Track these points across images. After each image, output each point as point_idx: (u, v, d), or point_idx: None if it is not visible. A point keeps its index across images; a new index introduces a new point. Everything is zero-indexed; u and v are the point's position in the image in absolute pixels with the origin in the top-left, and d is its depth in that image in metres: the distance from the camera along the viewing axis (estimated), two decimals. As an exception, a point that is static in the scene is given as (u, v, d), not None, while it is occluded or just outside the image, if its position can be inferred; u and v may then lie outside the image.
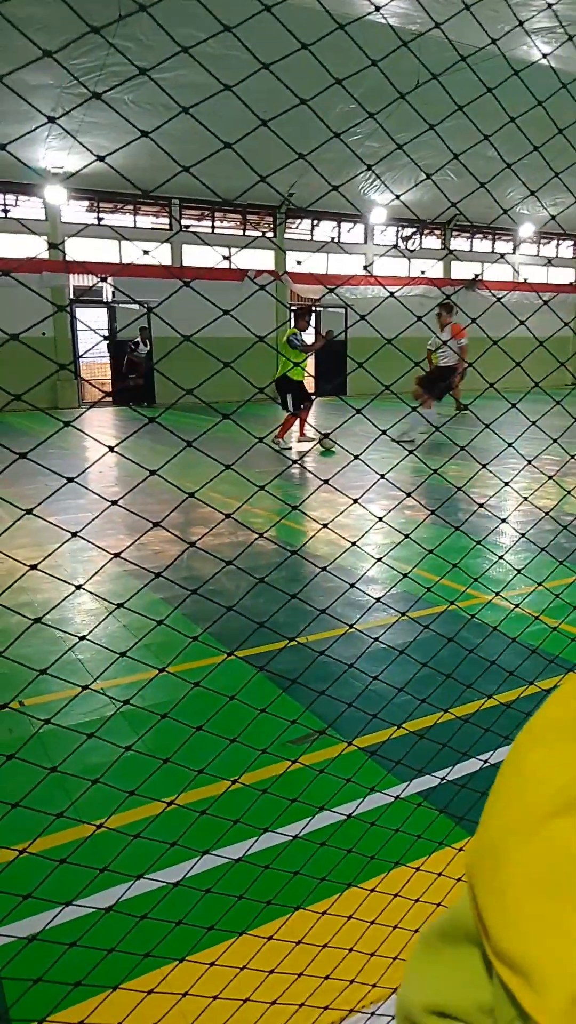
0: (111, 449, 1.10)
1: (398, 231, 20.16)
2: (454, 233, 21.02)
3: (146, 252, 1.26)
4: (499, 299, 1.61)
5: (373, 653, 3.33)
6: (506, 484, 1.65)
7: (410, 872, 1.92)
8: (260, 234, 18.47)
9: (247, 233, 18.60)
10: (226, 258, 1.30)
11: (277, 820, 1.74)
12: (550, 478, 1.77)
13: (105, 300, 17.15)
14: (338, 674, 2.53)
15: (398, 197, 1.43)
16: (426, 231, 20.68)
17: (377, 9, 1.39)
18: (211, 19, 1.28)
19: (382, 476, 1.59)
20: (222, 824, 1.56)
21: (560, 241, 22.80)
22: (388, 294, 1.47)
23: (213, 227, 18.22)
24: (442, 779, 1.90)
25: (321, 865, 1.83)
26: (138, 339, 16.80)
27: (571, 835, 0.43)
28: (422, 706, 2.19)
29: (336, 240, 19.40)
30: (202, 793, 2.49)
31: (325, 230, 19.43)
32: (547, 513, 1.69)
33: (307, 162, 1.39)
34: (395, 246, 19.65)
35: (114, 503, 1.14)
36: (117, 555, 1.23)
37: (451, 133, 1.45)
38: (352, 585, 1.64)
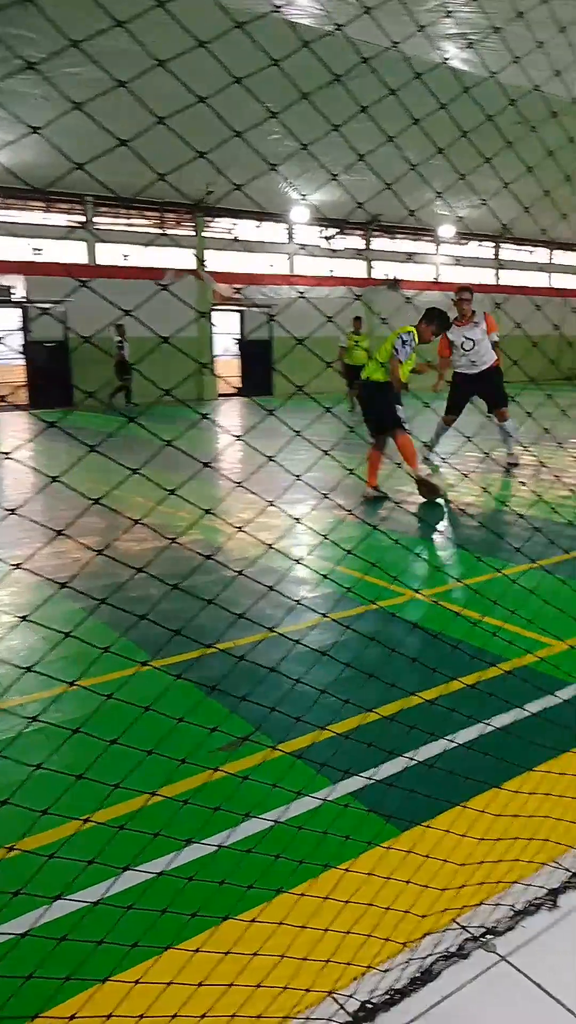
0: (7, 455, 1.05)
1: (320, 230, 20.30)
2: (375, 233, 21.29)
3: (37, 251, 1.20)
4: (408, 299, 1.62)
5: (301, 655, 3.32)
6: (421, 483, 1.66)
7: (340, 874, 1.92)
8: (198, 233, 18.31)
9: (165, 231, 18.41)
10: (126, 256, 1.26)
11: (201, 831, 1.71)
12: (465, 476, 1.79)
13: (16, 300, 16.67)
14: (263, 679, 2.51)
15: (304, 197, 1.42)
16: (348, 231, 20.89)
17: (277, 8, 1.38)
18: (119, 14, 1.24)
19: (297, 477, 1.57)
20: (144, 839, 1.52)
21: (480, 242, 23.39)
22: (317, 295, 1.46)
23: (129, 225, 17.96)
24: (368, 779, 1.90)
25: (249, 873, 1.81)
26: (120, 338, 16.16)
27: None
28: (349, 707, 2.19)
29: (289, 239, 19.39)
30: (124, 808, 2.43)
31: (246, 228, 19.40)
32: (462, 511, 1.71)
33: (210, 162, 1.36)
34: (344, 244, 19.81)
35: (12, 512, 1.09)
36: (17, 566, 1.18)
37: (366, 134, 1.45)
38: (271, 588, 1.63)
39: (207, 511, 1.45)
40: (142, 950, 1.61)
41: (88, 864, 1.46)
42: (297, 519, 1.51)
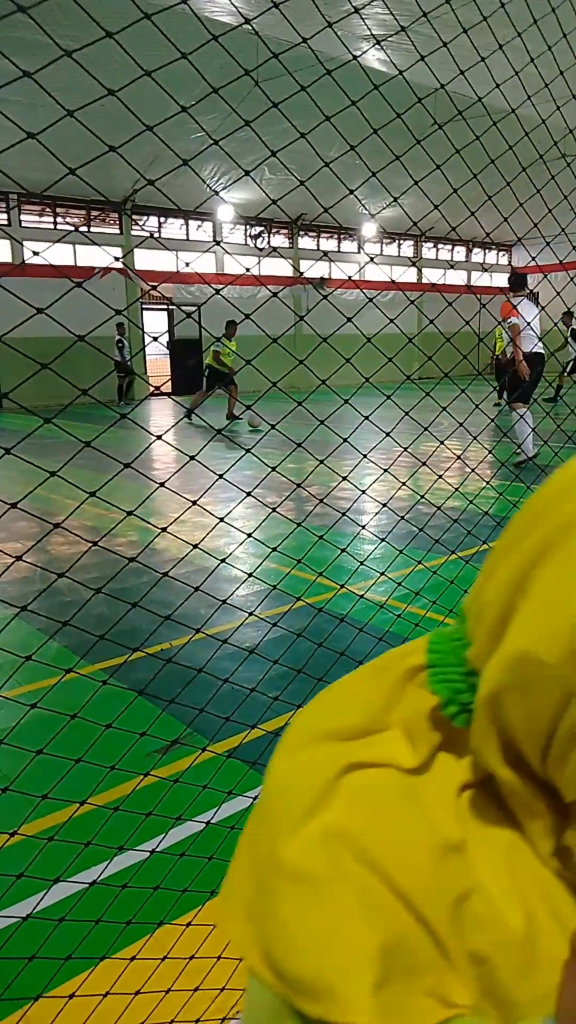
0: None
1: (246, 229, 20.27)
2: (301, 232, 21.39)
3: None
4: (325, 296, 1.63)
5: (233, 654, 3.31)
6: (344, 479, 1.67)
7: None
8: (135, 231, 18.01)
9: (91, 230, 18.08)
10: (36, 252, 1.23)
11: (134, 837, 1.69)
12: (385, 470, 1.82)
13: None
14: (201, 680, 2.49)
15: (216, 193, 1.41)
16: (274, 230, 20.92)
17: (183, 1, 1.36)
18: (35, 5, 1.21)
19: (220, 476, 1.57)
20: (75, 849, 1.49)
21: (401, 241, 23.75)
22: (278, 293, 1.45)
23: (55, 223, 17.58)
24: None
25: (183, 877, 1.79)
26: (120, 337, 16.19)
27: (316, 830, 0.43)
28: (280, 703, 2.19)
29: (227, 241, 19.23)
30: (53, 819, 2.38)
31: (173, 227, 19.22)
32: (384, 504, 1.74)
33: (122, 157, 1.34)
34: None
35: None
36: None
37: (293, 132, 1.45)
38: (196, 588, 1.61)
39: (129, 512, 1.43)
40: (76, 962, 1.58)
41: (17, 879, 1.42)
42: (220, 518, 1.51)
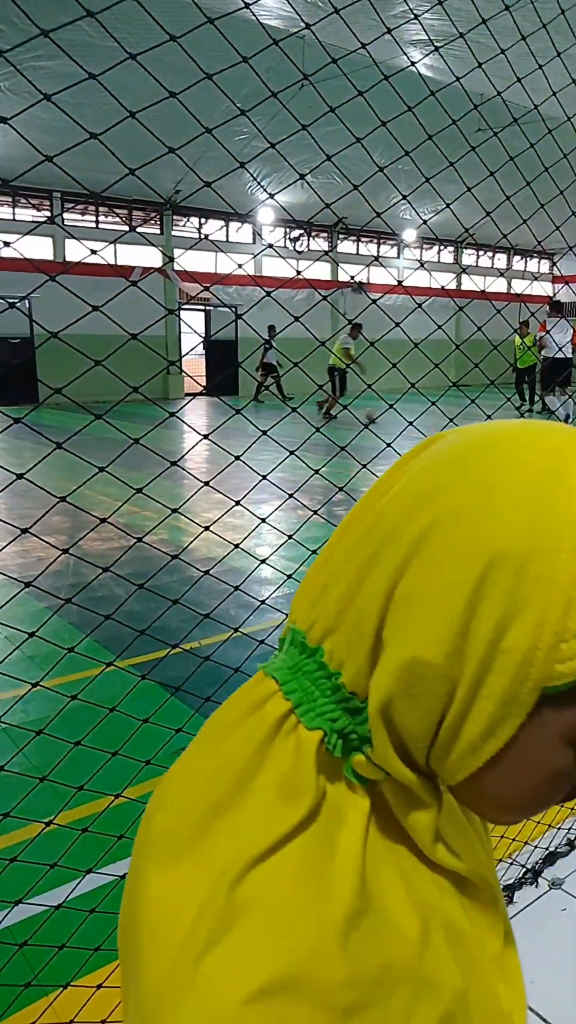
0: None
1: (286, 232, 20.32)
2: (341, 237, 21.39)
3: (7, 244, 1.19)
4: (373, 301, 1.63)
5: (268, 654, 3.31)
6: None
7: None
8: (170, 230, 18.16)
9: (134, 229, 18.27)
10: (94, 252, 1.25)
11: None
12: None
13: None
14: (233, 680, 2.49)
15: (271, 196, 1.42)
16: (313, 233, 20.94)
17: (247, 6, 1.38)
18: (90, 5, 1.23)
19: (264, 477, 1.58)
20: (108, 841, 1.51)
21: (441, 247, 23.63)
22: (289, 294, 1.46)
23: (97, 222, 17.79)
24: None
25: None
26: (268, 339, 16.70)
27: (222, 973, 0.39)
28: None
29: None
30: (87, 810, 2.40)
31: (213, 228, 19.34)
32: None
33: (179, 157, 1.36)
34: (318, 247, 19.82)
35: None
36: (-19, 566, 1.16)
37: (335, 137, 1.46)
38: (236, 588, 1.62)
39: (174, 510, 1.45)
40: (105, 953, 1.59)
41: (51, 868, 1.44)
42: (263, 519, 1.51)
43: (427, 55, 1.81)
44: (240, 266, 1.30)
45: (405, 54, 1.56)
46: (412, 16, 1.78)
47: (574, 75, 1.92)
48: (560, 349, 10.42)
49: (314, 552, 1.69)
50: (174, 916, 0.41)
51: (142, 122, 1.20)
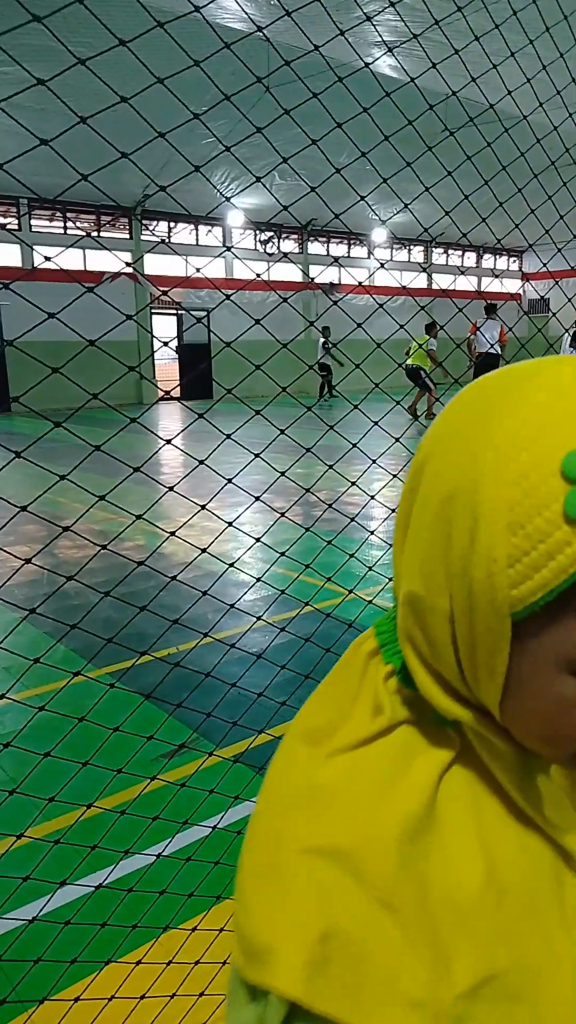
0: None
1: (256, 235, 20.31)
2: (311, 238, 21.42)
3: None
4: (335, 303, 1.63)
5: (242, 659, 3.31)
6: (353, 484, 1.67)
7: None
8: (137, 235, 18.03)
9: (101, 234, 18.16)
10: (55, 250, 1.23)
11: (140, 841, 1.69)
12: (394, 476, 1.81)
13: None
14: (208, 685, 2.48)
15: (227, 199, 1.42)
16: (284, 235, 20.96)
17: (197, 9, 1.37)
18: (39, 10, 1.22)
19: (229, 481, 1.57)
20: (81, 852, 1.49)
21: (411, 246, 23.75)
22: (279, 297, 1.45)
23: (65, 228, 17.67)
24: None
25: (190, 881, 1.79)
26: (325, 339, 17.22)
27: (292, 827, 0.47)
28: (288, 709, 2.19)
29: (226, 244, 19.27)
30: (59, 823, 2.38)
31: (183, 232, 19.28)
32: (394, 510, 1.73)
33: (133, 163, 1.35)
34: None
35: None
36: None
37: (306, 138, 1.46)
38: (204, 593, 1.62)
39: (139, 516, 1.44)
40: (81, 966, 1.58)
41: (23, 881, 1.42)
42: (229, 523, 1.51)
43: (380, 56, 1.82)
44: (198, 270, 1.30)
45: (360, 56, 1.56)
46: (365, 18, 1.79)
47: (528, 72, 1.94)
48: (492, 346, 11.56)
49: (282, 554, 1.70)
50: (279, 778, 0.51)
51: (93, 127, 1.19)
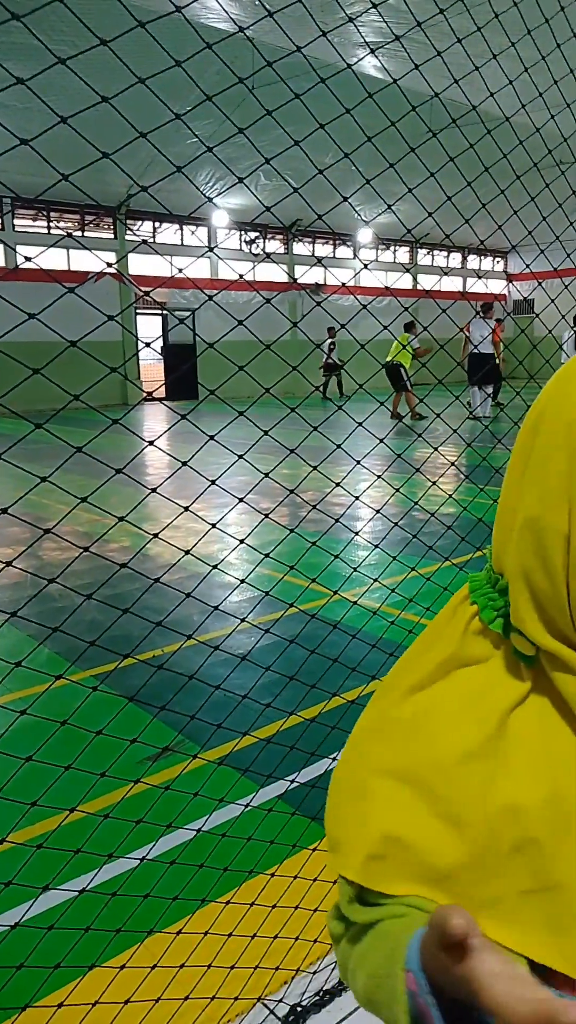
0: None
1: (241, 235, 20.29)
2: (297, 238, 21.42)
3: None
4: (318, 303, 1.63)
5: (228, 660, 3.30)
6: (337, 484, 1.67)
7: (266, 878, 1.91)
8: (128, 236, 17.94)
9: (86, 234, 18.07)
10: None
11: (124, 845, 1.68)
12: (379, 476, 1.82)
13: None
14: (194, 687, 2.48)
15: (209, 200, 1.41)
16: (270, 235, 20.94)
17: (178, 9, 1.36)
18: (17, 8, 1.21)
19: (212, 482, 1.56)
20: (64, 857, 1.48)
21: (396, 247, 23.81)
22: (263, 298, 1.44)
23: (49, 228, 17.57)
24: (292, 781, 1.90)
25: (174, 885, 1.78)
26: (331, 340, 17.46)
27: (368, 753, 0.59)
28: (273, 711, 2.19)
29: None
30: (42, 827, 2.36)
31: (168, 232, 19.21)
32: (378, 510, 1.74)
33: (115, 163, 1.34)
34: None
35: None
36: None
37: (295, 138, 1.45)
38: (188, 595, 1.61)
39: (121, 519, 1.43)
40: (65, 971, 1.57)
41: (5, 886, 1.41)
42: (213, 524, 1.50)
43: (363, 57, 1.81)
44: (180, 270, 1.29)
45: (342, 58, 1.56)
46: (348, 19, 1.79)
47: (511, 75, 1.95)
48: (476, 347, 11.79)
49: (267, 556, 1.69)
50: (371, 709, 0.62)
51: (73, 127, 1.18)
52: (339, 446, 1.52)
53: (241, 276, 1.36)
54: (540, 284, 2.38)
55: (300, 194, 1.44)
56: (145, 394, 16.05)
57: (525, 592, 0.53)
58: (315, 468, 1.52)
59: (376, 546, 1.83)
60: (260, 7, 9.02)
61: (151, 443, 1.36)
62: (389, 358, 13.34)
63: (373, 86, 1.78)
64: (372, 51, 1.57)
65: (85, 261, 17.57)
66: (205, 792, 1.76)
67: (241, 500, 1.44)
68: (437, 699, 0.57)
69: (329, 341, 17.57)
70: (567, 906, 0.51)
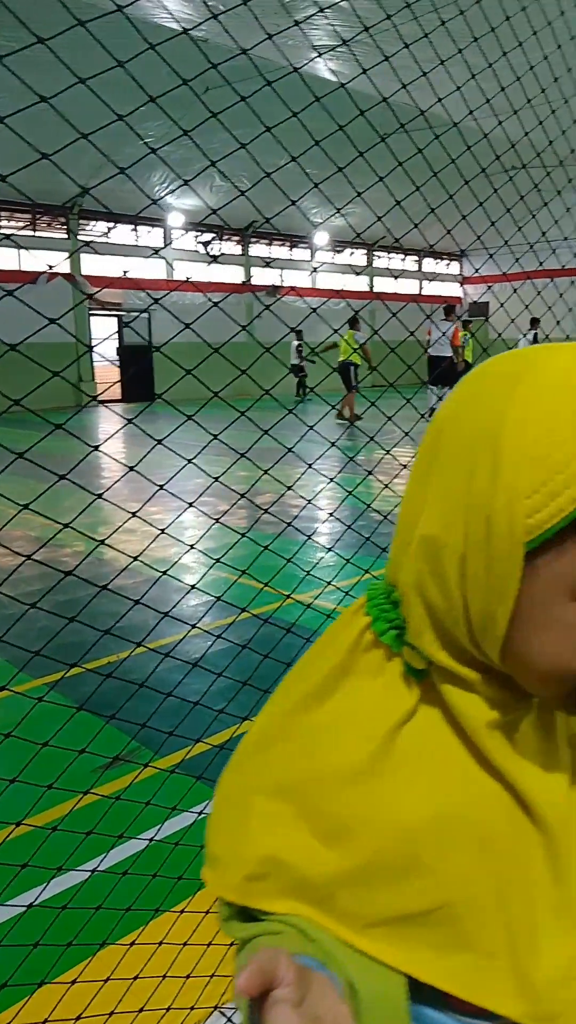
0: None
1: (196, 236, 20.18)
2: (253, 239, 21.40)
3: None
4: (267, 307, 1.62)
5: (181, 666, 3.27)
6: (289, 488, 1.67)
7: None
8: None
9: (37, 234, 17.79)
10: None
11: (72, 858, 1.65)
12: (331, 480, 1.82)
13: None
14: (148, 694, 2.44)
15: (155, 202, 1.40)
16: (225, 236, 20.87)
17: (119, 8, 1.34)
18: None
19: (161, 487, 1.54)
20: (10, 871, 1.44)
21: (352, 249, 23.95)
22: (213, 300, 1.42)
23: None
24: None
25: (126, 896, 1.75)
26: (299, 342, 17.36)
27: (258, 767, 0.57)
28: (227, 717, 2.17)
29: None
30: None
31: (123, 232, 19.01)
32: (331, 514, 1.73)
33: (53, 163, 1.31)
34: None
35: None
36: None
37: (247, 139, 1.44)
38: (136, 602, 1.59)
39: (66, 525, 1.40)
40: (12, 990, 1.53)
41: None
42: (162, 530, 1.48)
43: (312, 60, 1.82)
44: (124, 273, 1.27)
45: (288, 61, 1.56)
46: (295, 23, 1.78)
47: (466, 82, 1.97)
48: (428, 349, 12.26)
49: (218, 560, 1.68)
50: (258, 723, 0.61)
51: (11, 127, 1.16)
52: (290, 449, 1.52)
53: (188, 279, 1.35)
54: (489, 287, 2.41)
55: (247, 197, 1.43)
56: (89, 397, 15.80)
57: (420, 607, 0.52)
58: (266, 472, 1.51)
59: (329, 549, 1.83)
60: (212, 7, 8.99)
61: (96, 448, 1.34)
62: (341, 358, 13.24)
63: (326, 89, 1.78)
64: (320, 54, 1.57)
65: (37, 261, 17.30)
66: (158, 801, 1.73)
67: (191, 505, 1.43)
68: (327, 713, 0.55)
69: (296, 343, 17.46)
70: (453, 925, 0.50)
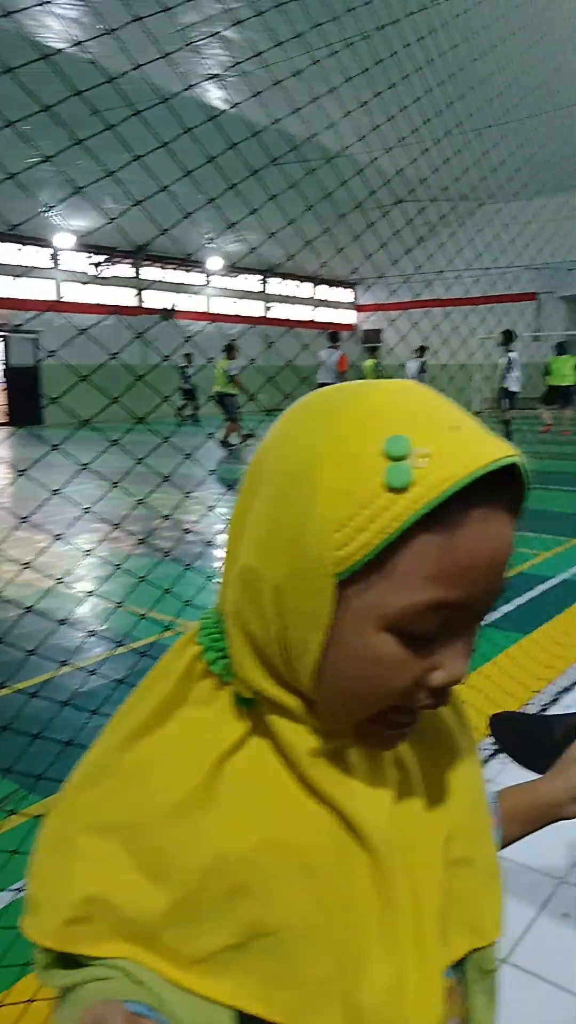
0: None
1: (88, 258, 19.82)
2: (147, 262, 21.23)
3: None
4: (152, 325, 1.57)
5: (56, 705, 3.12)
6: (166, 517, 1.61)
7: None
8: None
9: None
10: None
11: None
12: (211, 509, 1.77)
13: None
14: (43, 726, 2.30)
15: (35, 215, 1.33)
16: (117, 259, 20.60)
17: (7, 14, 1.28)
18: None
19: (87, 510, 1.46)
20: None
21: (247, 275, 24.20)
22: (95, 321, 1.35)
23: None
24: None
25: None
26: (186, 364, 17.07)
27: (83, 809, 0.55)
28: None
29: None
30: None
31: (10, 251, 18.40)
32: (208, 543, 1.69)
33: None
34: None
35: None
36: None
37: (139, 163, 1.40)
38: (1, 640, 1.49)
39: None
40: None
41: None
42: (87, 551, 1.40)
43: (199, 82, 1.81)
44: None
45: (183, 84, 1.53)
46: (184, 45, 1.77)
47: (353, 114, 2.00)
48: (321, 370, 13.07)
49: (91, 594, 1.59)
50: (85, 760, 0.58)
51: None
52: (167, 478, 1.47)
53: (58, 300, 1.29)
54: (371, 315, 2.45)
55: (117, 223, 1.38)
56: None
57: (241, 636, 0.53)
58: (141, 501, 1.45)
59: (209, 578, 1.79)
60: (99, 30, 8.93)
61: (22, 472, 1.24)
62: (216, 388, 12.56)
63: (220, 116, 1.76)
64: (209, 78, 1.55)
65: None
66: (26, 849, 1.62)
67: (58, 537, 1.35)
68: (155, 746, 0.54)
69: (182, 366, 17.37)
70: (281, 954, 0.51)
